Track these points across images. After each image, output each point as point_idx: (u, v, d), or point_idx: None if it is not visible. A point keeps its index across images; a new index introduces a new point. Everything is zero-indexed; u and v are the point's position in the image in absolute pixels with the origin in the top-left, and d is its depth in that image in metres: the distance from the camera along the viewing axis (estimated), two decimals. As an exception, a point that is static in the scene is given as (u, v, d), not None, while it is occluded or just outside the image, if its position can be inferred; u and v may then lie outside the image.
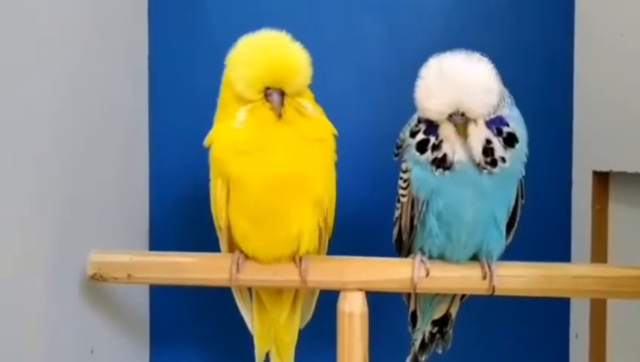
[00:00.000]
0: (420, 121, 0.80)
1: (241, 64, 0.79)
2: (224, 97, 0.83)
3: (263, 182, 0.79)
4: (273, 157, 0.79)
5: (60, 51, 0.84)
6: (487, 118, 0.76)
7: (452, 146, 0.77)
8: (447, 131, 0.77)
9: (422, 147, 0.78)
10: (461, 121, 0.76)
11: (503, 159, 0.77)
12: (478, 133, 0.76)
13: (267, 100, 0.80)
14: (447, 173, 0.77)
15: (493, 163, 0.76)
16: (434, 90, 0.76)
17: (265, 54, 0.79)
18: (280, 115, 0.80)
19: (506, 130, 0.77)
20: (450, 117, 0.76)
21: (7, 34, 0.72)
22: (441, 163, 0.77)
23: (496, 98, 0.77)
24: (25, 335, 0.77)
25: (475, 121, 0.76)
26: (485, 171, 0.77)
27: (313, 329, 0.96)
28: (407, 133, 0.81)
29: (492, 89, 0.76)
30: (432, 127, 0.78)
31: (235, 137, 0.80)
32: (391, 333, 1.04)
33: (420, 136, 0.79)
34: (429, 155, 0.78)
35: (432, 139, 0.78)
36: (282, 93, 0.80)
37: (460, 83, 0.75)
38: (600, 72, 0.97)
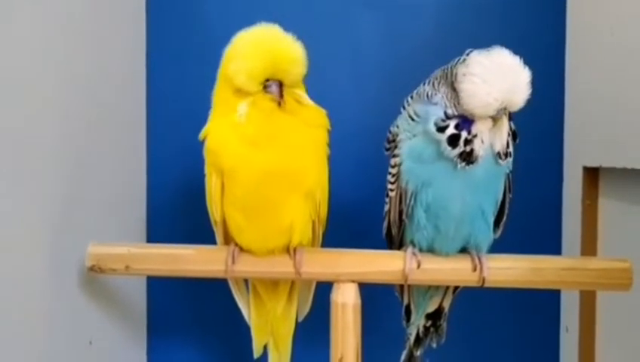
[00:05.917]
0: (447, 116, 0.78)
1: (240, 57, 0.80)
2: (220, 92, 0.84)
3: (256, 173, 0.80)
4: (269, 148, 0.80)
5: (58, 46, 0.85)
6: None
7: (482, 141, 0.77)
8: (483, 126, 0.77)
9: (454, 142, 0.78)
10: (501, 115, 0.77)
11: (511, 153, 0.80)
12: (506, 127, 0.78)
13: (266, 92, 0.81)
14: (469, 166, 0.78)
15: (506, 155, 0.79)
16: (492, 86, 0.75)
17: (264, 46, 0.80)
18: (280, 104, 0.81)
19: (512, 125, 0.80)
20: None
21: (8, 33, 0.74)
22: (468, 157, 0.78)
23: None
24: (23, 327, 0.78)
25: (506, 114, 0.78)
26: (501, 161, 0.79)
27: (310, 321, 0.97)
28: (433, 127, 0.79)
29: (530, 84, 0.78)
30: (466, 122, 0.77)
31: (239, 130, 0.80)
32: (385, 328, 1.06)
33: (451, 131, 0.78)
34: (458, 150, 0.78)
35: (464, 134, 0.77)
36: (281, 84, 0.81)
37: (516, 79, 0.76)
38: (591, 69, 0.98)
